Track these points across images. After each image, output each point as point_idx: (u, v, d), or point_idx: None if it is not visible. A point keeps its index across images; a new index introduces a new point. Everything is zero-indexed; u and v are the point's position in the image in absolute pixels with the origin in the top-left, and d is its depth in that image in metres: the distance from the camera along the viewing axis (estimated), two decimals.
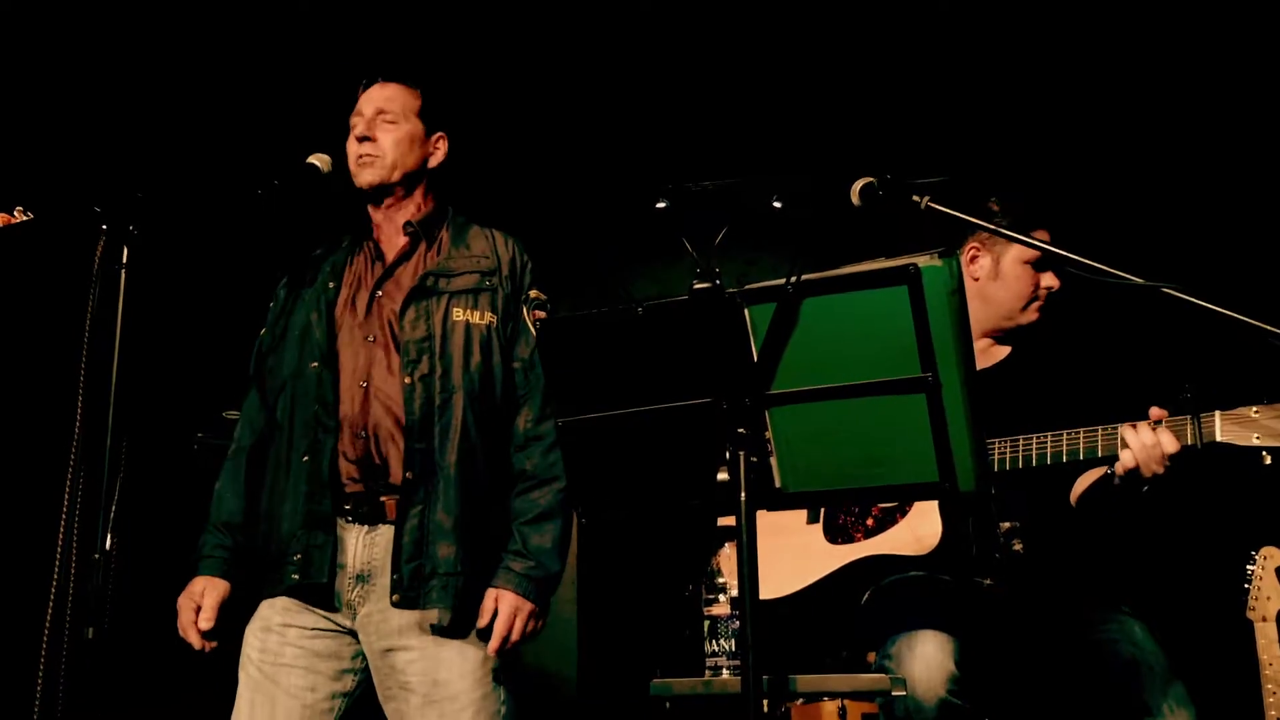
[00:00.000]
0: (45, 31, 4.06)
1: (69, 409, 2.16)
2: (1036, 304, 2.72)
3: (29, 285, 3.83)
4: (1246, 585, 2.51)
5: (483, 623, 2.39)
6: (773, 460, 1.88)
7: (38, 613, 2.12)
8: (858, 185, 2.21)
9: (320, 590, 2.41)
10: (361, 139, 2.58)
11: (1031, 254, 2.68)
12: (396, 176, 2.59)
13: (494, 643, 2.38)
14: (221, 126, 4.31)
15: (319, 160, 2.58)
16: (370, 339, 2.51)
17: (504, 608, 2.39)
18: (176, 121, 4.30)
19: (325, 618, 2.44)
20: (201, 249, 3.90)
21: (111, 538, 2.11)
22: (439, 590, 2.37)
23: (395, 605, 2.36)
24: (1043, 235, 2.64)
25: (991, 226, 2.27)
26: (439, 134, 2.68)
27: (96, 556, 2.10)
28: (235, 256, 3.92)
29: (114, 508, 2.11)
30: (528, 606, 2.41)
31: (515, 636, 2.39)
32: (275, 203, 2.46)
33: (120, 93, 4.22)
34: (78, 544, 2.13)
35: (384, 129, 2.59)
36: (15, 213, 2.35)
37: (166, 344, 3.78)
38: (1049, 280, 2.70)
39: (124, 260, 2.22)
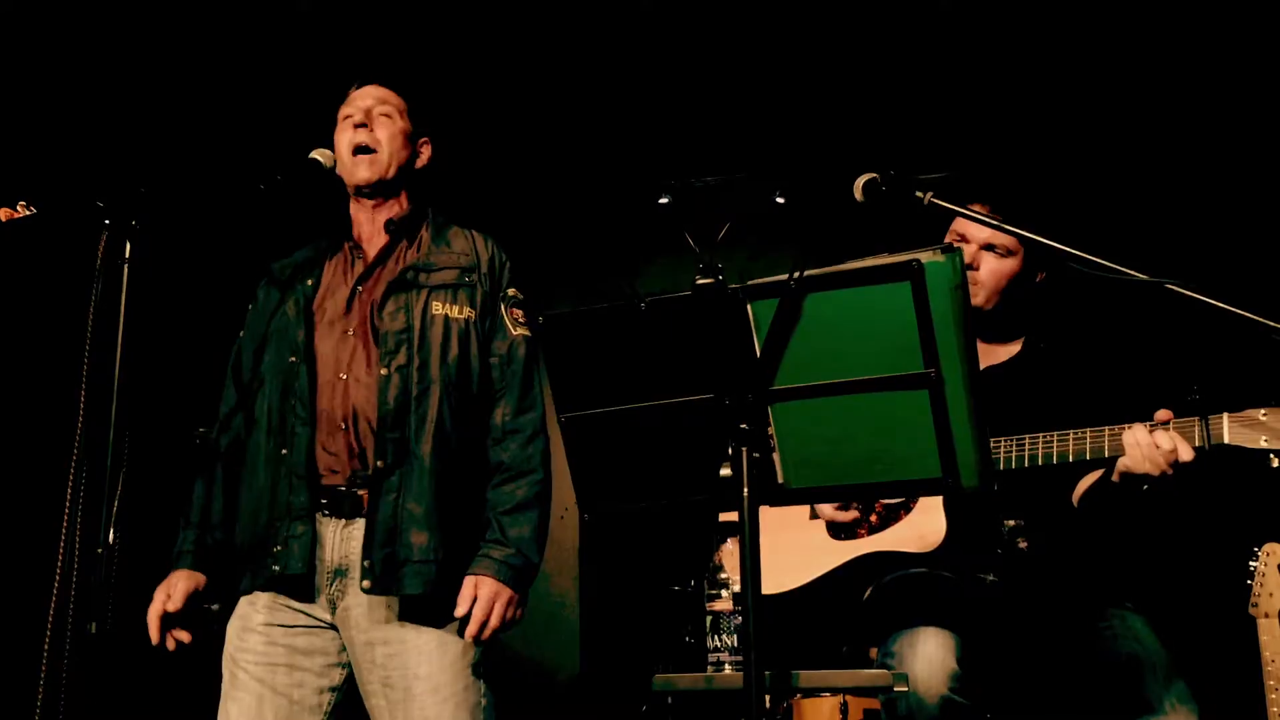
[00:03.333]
0: (48, 27, 4.06)
1: (71, 404, 2.16)
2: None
3: (32, 280, 3.83)
4: (1249, 582, 2.50)
5: (461, 610, 2.38)
6: (775, 456, 1.88)
7: (40, 607, 2.12)
8: (860, 181, 2.21)
9: (300, 583, 2.42)
10: (360, 125, 2.59)
11: (959, 229, 2.69)
12: (393, 172, 2.62)
13: (472, 627, 2.36)
14: (224, 121, 4.32)
15: (321, 155, 2.59)
16: (350, 333, 2.52)
17: (483, 593, 2.38)
18: (179, 116, 4.30)
19: (306, 613, 2.45)
20: (204, 243, 3.91)
21: (114, 532, 2.11)
22: (411, 576, 2.37)
23: (366, 591, 2.36)
24: (981, 208, 2.60)
25: (993, 221, 2.26)
26: (424, 138, 2.71)
27: (99, 551, 2.10)
28: (238, 250, 3.91)
29: (116, 502, 2.11)
30: (507, 593, 2.40)
31: (494, 623, 2.38)
32: (278, 197, 2.46)
33: (123, 88, 4.22)
34: (80, 538, 2.13)
35: (381, 121, 2.62)
36: (18, 207, 2.35)
37: (169, 338, 3.79)
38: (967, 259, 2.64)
39: (126, 255, 2.23)
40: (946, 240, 2.73)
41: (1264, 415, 2.21)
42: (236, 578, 2.50)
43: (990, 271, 2.65)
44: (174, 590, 2.49)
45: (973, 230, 2.66)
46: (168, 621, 2.47)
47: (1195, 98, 3.87)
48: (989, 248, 2.65)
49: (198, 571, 2.53)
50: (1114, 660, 2.39)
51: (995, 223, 2.26)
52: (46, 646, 2.12)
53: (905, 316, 1.74)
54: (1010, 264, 2.66)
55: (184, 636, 2.49)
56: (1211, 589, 3.30)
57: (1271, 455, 2.20)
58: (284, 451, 2.46)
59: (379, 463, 2.41)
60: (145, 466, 2.34)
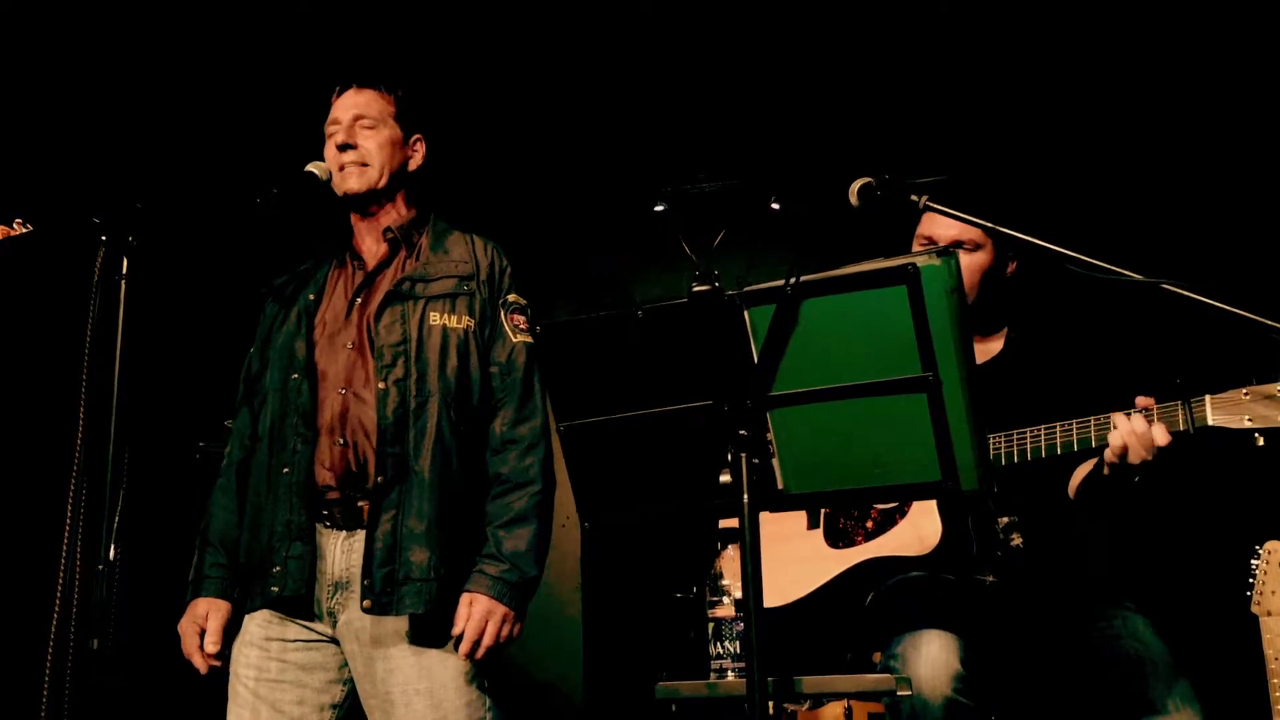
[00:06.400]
0: (43, 43, 4.07)
1: (71, 420, 2.16)
2: None
3: (29, 297, 3.83)
4: (1251, 580, 2.50)
5: (457, 629, 2.35)
6: (774, 462, 1.88)
7: (41, 623, 2.12)
8: (856, 185, 2.21)
9: (300, 601, 2.40)
10: (343, 146, 2.57)
11: (925, 232, 2.68)
12: (384, 182, 2.59)
13: (464, 647, 2.34)
14: (220, 136, 4.32)
15: (317, 168, 2.58)
16: (350, 346, 2.50)
17: (476, 611, 2.35)
18: (175, 132, 4.31)
19: (307, 628, 2.43)
20: (201, 258, 3.91)
21: (115, 548, 2.11)
22: (413, 596, 2.34)
23: (367, 611, 2.34)
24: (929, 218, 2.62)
25: (990, 225, 2.26)
26: (416, 136, 2.67)
27: (100, 567, 2.10)
28: (235, 265, 3.92)
29: (117, 518, 2.11)
30: (501, 610, 2.37)
31: (488, 641, 2.35)
32: (274, 211, 2.46)
33: (119, 103, 4.22)
34: (81, 554, 2.13)
35: (364, 134, 2.58)
36: (15, 224, 2.35)
37: (167, 354, 3.79)
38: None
39: (124, 271, 2.22)
40: (915, 246, 2.72)
41: (1246, 394, 2.21)
42: (242, 595, 2.48)
43: (964, 268, 2.65)
44: (207, 626, 2.46)
45: (938, 231, 2.66)
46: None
47: (1187, 103, 3.88)
48: (957, 245, 2.65)
49: (223, 599, 2.49)
50: (1116, 661, 2.39)
51: (969, 219, 2.25)
52: (48, 663, 2.12)
53: (902, 320, 1.75)
54: (981, 257, 2.66)
55: (216, 663, 2.47)
56: (1213, 588, 3.29)
57: (1255, 434, 2.20)
58: (285, 470, 2.44)
59: (379, 478, 2.39)
60: (145, 482, 2.34)
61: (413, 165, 2.66)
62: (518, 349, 2.55)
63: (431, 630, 2.38)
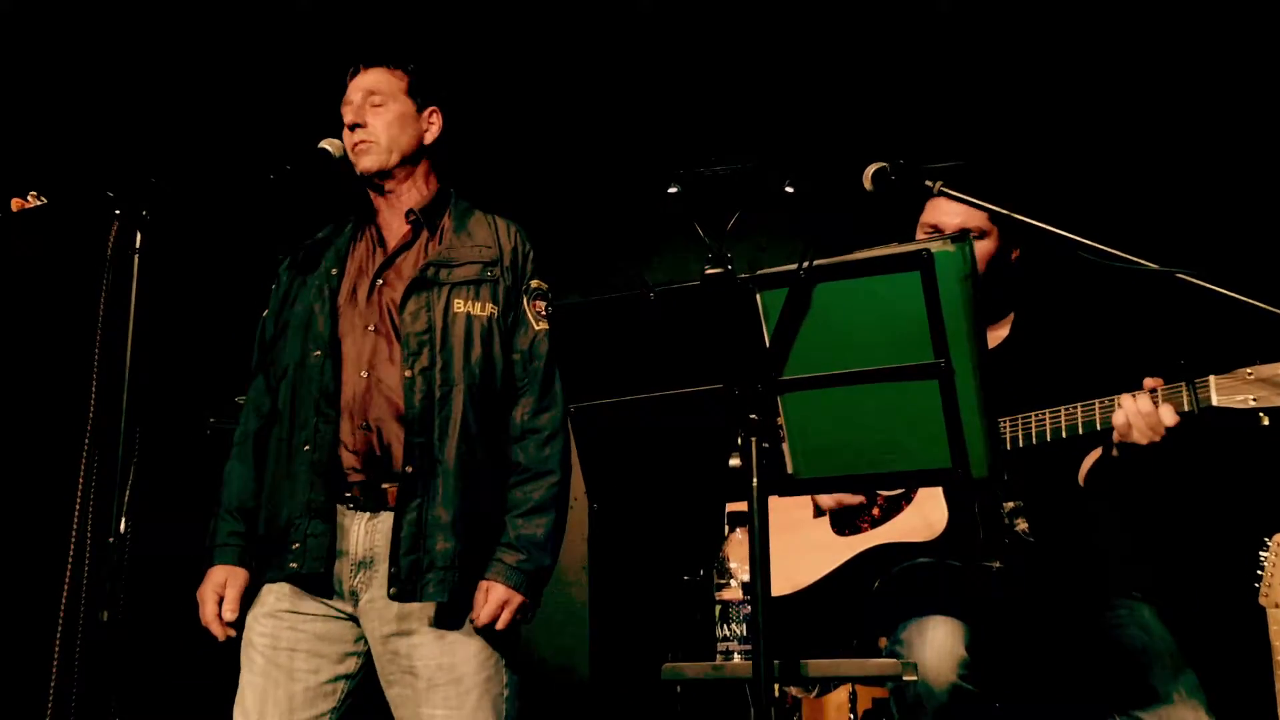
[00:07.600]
0: (57, 18, 4.06)
1: (83, 394, 2.17)
2: None
3: (43, 270, 3.84)
4: (1259, 571, 2.50)
5: (474, 615, 2.41)
6: (785, 446, 1.88)
7: (53, 596, 2.13)
8: (870, 170, 2.20)
9: (319, 578, 2.42)
10: (353, 126, 2.58)
11: (930, 220, 2.67)
12: (395, 159, 2.59)
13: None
14: (234, 111, 4.32)
15: (330, 145, 2.58)
16: (372, 328, 2.50)
17: (493, 599, 2.40)
18: (189, 107, 4.30)
19: (326, 604, 2.45)
20: (214, 233, 3.92)
21: (125, 522, 2.12)
22: (436, 584, 2.37)
23: (393, 598, 2.37)
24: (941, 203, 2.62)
25: (1005, 212, 2.25)
26: (431, 108, 2.67)
27: (111, 540, 2.11)
28: (248, 241, 3.93)
29: (128, 492, 2.12)
30: (517, 599, 2.42)
31: (501, 627, 2.40)
32: (287, 187, 2.46)
33: (133, 78, 4.22)
34: (92, 528, 2.14)
35: (374, 112, 2.58)
36: (29, 198, 2.36)
37: (179, 329, 3.80)
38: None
39: (137, 245, 2.23)
40: (918, 234, 2.71)
41: (1250, 374, 2.20)
42: (261, 567, 2.50)
43: None
44: (225, 594, 2.48)
45: (943, 219, 2.65)
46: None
47: (1199, 91, 3.86)
48: (962, 233, 2.63)
49: (241, 567, 2.51)
50: (1122, 650, 2.39)
51: (984, 205, 2.24)
52: (59, 634, 2.14)
53: (915, 306, 1.74)
54: (986, 245, 2.64)
55: (232, 632, 2.48)
56: (1221, 579, 3.29)
57: (1260, 414, 2.19)
58: (306, 448, 2.45)
59: (406, 468, 2.41)
60: (156, 456, 2.35)
61: (429, 138, 2.65)
62: (540, 337, 2.56)
63: (454, 612, 2.41)
